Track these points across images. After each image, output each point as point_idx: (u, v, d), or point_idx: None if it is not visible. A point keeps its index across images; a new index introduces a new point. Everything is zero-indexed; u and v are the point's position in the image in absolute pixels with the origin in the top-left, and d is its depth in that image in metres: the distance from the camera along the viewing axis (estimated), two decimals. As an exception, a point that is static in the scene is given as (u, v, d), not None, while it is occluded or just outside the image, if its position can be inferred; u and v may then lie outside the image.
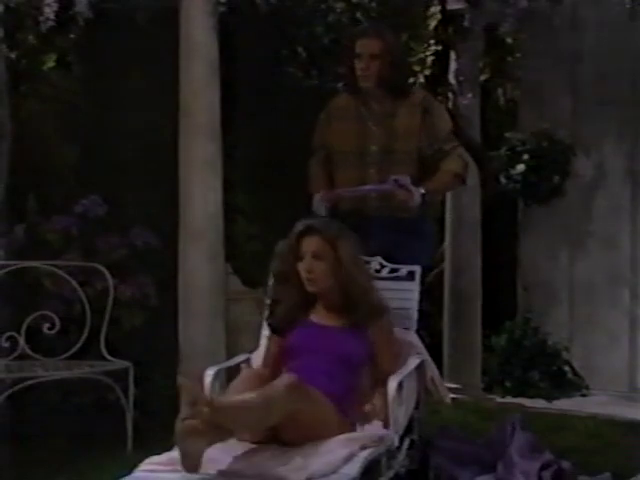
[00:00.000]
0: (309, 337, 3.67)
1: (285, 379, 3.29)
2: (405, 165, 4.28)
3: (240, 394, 3.34)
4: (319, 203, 4.25)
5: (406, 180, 4.15)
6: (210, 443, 3.10)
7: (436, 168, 4.32)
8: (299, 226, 3.67)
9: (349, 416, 3.56)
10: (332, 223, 3.73)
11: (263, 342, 3.92)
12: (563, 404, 5.90)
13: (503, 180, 6.29)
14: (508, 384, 6.16)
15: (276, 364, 3.73)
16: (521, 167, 6.21)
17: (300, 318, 3.72)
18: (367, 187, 4.22)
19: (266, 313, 3.86)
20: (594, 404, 5.89)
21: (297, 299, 3.72)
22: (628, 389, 6.24)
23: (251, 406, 3.19)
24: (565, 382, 6.19)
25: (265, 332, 3.91)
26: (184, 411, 3.09)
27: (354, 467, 3.21)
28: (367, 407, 3.62)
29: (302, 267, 3.64)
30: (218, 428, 3.10)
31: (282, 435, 3.31)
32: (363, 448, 3.35)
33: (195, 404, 3.06)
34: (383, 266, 4.27)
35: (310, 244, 3.64)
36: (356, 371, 3.65)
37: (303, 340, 3.66)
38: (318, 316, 3.72)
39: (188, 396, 3.08)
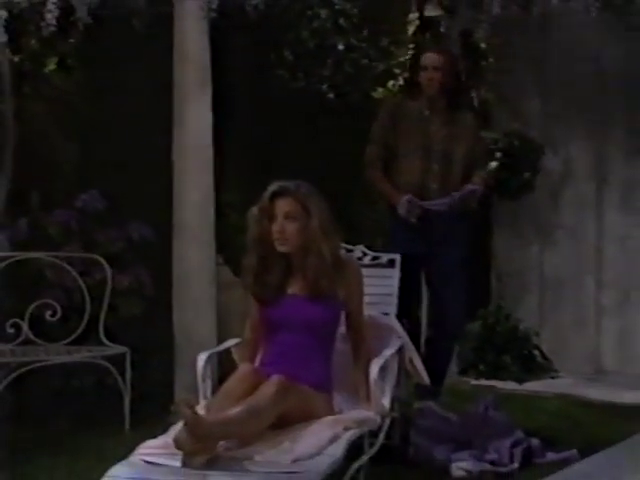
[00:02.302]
0: (285, 310, 3.57)
1: (272, 385, 3.25)
2: (459, 165, 4.79)
3: (234, 394, 3.34)
4: (406, 207, 4.66)
5: (478, 189, 4.78)
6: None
7: (472, 171, 4.84)
8: (272, 188, 3.52)
9: (332, 394, 3.55)
10: (304, 185, 3.55)
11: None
12: (533, 386, 5.83)
13: (477, 176, 6.29)
14: (482, 367, 6.11)
15: (258, 333, 3.68)
16: (494, 164, 6.19)
17: (281, 288, 3.59)
18: (446, 200, 4.70)
19: (247, 285, 3.64)
20: (562, 386, 5.81)
21: (275, 267, 3.57)
22: (594, 371, 6.25)
23: (246, 419, 3.18)
24: (535, 365, 6.15)
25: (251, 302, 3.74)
26: (184, 433, 3.06)
27: (338, 448, 3.24)
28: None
29: (274, 228, 3.50)
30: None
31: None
32: (347, 429, 3.36)
33: (194, 429, 3.03)
34: (365, 254, 4.31)
35: (283, 205, 3.50)
36: (330, 337, 3.60)
37: (281, 313, 3.57)
38: (294, 287, 3.59)
39: (186, 419, 3.05)
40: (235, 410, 3.20)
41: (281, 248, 3.54)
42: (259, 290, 3.61)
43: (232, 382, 3.46)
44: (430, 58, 4.81)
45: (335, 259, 3.56)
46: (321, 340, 3.59)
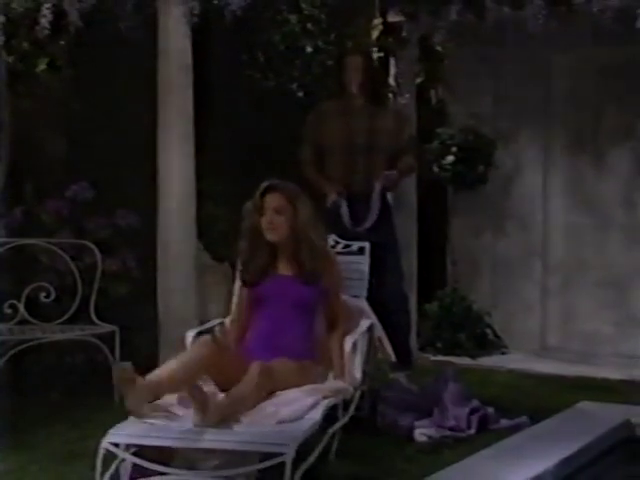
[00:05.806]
0: (272, 287, 3.74)
1: (254, 373, 3.32)
2: (383, 155, 4.85)
3: (186, 360, 3.40)
4: (336, 201, 4.78)
5: (393, 175, 4.83)
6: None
7: (398, 160, 4.89)
8: (263, 185, 3.75)
9: (313, 364, 3.66)
10: (291, 184, 3.78)
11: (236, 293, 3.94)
12: (486, 361, 5.98)
13: (435, 169, 6.35)
14: (439, 345, 6.21)
15: (245, 313, 3.82)
16: (451, 158, 6.26)
17: (266, 272, 3.77)
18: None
19: (238, 268, 3.87)
20: (512, 361, 5.99)
21: (263, 254, 3.76)
22: (539, 348, 6.34)
23: (237, 405, 3.26)
24: (487, 342, 6.25)
25: (237, 285, 3.93)
26: (197, 415, 3.16)
27: (317, 413, 3.35)
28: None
29: (264, 220, 3.71)
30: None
31: None
32: (324, 397, 3.48)
33: (205, 407, 3.14)
34: (337, 242, 4.39)
35: (272, 200, 3.72)
36: (311, 315, 3.73)
37: (267, 290, 3.74)
38: (280, 269, 3.78)
39: (197, 401, 3.15)
40: (227, 398, 3.28)
41: (270, 237, 3.73)
42: (246, 274, 3.80)
43: (190, 353, 3.51)
44: (350, 60, 4.94)
45: (323, 247, 3.76)
46: (303, 316, 3.72)
